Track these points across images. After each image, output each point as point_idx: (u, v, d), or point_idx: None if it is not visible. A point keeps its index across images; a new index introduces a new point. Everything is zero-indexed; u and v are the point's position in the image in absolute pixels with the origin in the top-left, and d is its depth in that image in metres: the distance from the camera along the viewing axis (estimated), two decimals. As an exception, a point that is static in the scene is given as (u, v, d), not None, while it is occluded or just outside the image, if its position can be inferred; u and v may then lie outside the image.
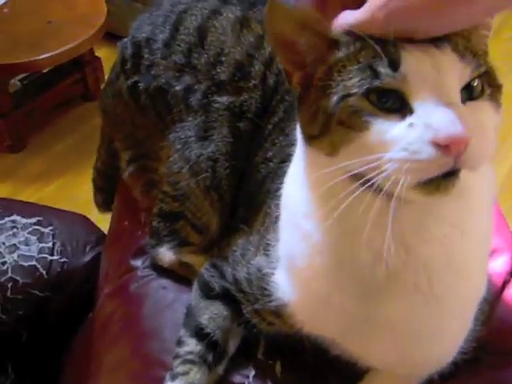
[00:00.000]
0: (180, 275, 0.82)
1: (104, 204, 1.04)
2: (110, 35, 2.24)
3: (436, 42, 0.46)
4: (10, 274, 1.02)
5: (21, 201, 1.33)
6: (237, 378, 0.68)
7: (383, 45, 0.45)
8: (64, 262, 1.09)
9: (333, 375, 0.66)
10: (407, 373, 0.63)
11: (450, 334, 0.59)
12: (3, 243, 1.06)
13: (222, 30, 0.73)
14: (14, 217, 1.10)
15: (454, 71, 0.45)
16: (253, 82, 0.71)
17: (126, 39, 0.81)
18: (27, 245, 1.06)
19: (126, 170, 0.85)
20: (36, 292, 1.04)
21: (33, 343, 1.07)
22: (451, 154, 0.42)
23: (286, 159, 0.65)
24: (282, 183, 0.63)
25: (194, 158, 0.73)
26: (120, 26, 2.35)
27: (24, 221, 1.10)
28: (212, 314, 0.70)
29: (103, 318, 0.83)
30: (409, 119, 0.44)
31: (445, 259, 0.53)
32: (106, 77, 2.48)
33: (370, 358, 0.61)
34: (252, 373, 0.68)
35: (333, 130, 0.47)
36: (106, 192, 1.02)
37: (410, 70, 0.44)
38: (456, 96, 0.44)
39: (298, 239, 0.56)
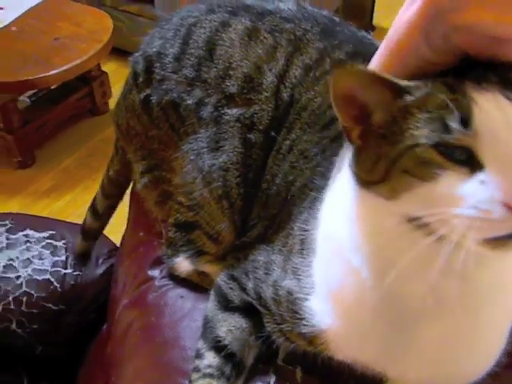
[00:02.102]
0: (197, 284, 0.82)
1: (107, 210, 1.04)
2: (116, 50, 2.27)
3: (507, 87, 0.44)
4: (24, 288, 1.03)
5: (33, 215, 1.35)
6: (257, 385, 0.69)
7: (453, 95, 0.44)
8: (77, 275, 1.10)
9: (355, 381, 0.65)
10: None
11: (490, 349, 0.60)
12: (17, 257, 1.07)
13: (230, 42, 0.73)
14: (27, 231, 1.11)
15: None
16: (264, 94, 0.71)
17: (137, 54, 0.82)
18: (41, 259, 1.08)
19: (140, 182, 0.85)
20: (50, 305, 1.05)
21: (48, 356, 1.08)
22: None
23: (307, 184, 0.66)
24: (304, 207, 0.64)
25: (206, 168, 0.73)
26: (126, 41, 2.40)
27: (37, 235, 1.11)
28: (230, 327, 0.70)
29: (122, 328, 0.84)
30: (479, 175, 0.43)
31: (493, 281, 0.53)
32: (113, 91, 2.52)
33: (405, 377, 0.61)
34: (273, 379, 0.68)
35: (395, 176, 0.47)
36: (113, 198, 1.02)
37: (481, 127, 0.43)
38: None
39: (346, 273, 0.56)
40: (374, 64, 0.50)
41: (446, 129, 0.44)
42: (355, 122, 0.49)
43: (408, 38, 0.46)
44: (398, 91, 0.47)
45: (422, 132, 0.45)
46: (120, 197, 1.02)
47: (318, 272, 0.60)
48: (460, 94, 0.44)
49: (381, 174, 0.48)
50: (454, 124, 0.43)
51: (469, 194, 0.43)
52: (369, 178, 0.50)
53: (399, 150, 0.46)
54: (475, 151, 0.44)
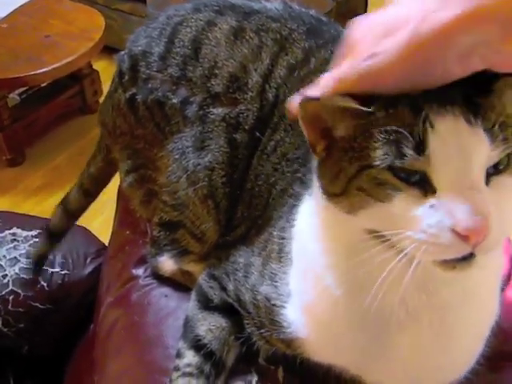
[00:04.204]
0: (181, 283, 0.83)
1: (80, 209, 1.02)
2: (108, 48, 2.26)
3: (470, 111, 0.44)
4: (11, 287, 1.03)
5: (21, 214, 1.34)
6: (239, 384, 0.69)
7: (414, 118, 0.44)
8: (65, 274, 1.10)
9: (336, 380, 0.66)
10: None
11: (460, 361, 0.61)
12: (4, 256, 1.07)
13: (216, 42, 0.73)
14: (15, 230, 1.11)
15: (482, 154, 0.43)
16: (250, 94, 0.71)
17: (122, 52, 0.81)
18: (28, 257, 1.07)
19: (125, 181, 0.85)
20: (37, 304, 1.05)
21: (34, 355, 1.07)
22: (470, 242, 0.43)
23: (287, 189, 0.66)
24: (283, 213, 0.64)
25: (191, 167, 0.73)
26: (117, 39, 2.39)
27: (25, 233, 1.11)
28: (210, 326, 0.70)
29: (106, 327, 0.84)
30: (431, 200, 0.44)
31: (460, 296, 0.54)
32: (104, 89, 2.52)
33: (382, 382, 0.62)
34: (254, 378, 0.68)
35: (352, 193, 0.47)
36: (90, 197, 1.00)
37: (435, 153, 0.43)
38: (480, 180, 0.44)
39: (319, 290, 0.57)
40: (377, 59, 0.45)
41: (401, 153, 0.44)
42: (320, 136, 0.50)
43: (439, 45, 0.42)
44: (364, 112, 0.47)
45: (377, 153, 0.45)
46: (95, 196, 1.00)
47: (293, 283, 0.61)
48: (421, 117, 0.44)
49: (340, 187, 0.48)
50: (408, 149, 0.44)
51: (419, 218, 0.44)
52: (330, 190, 0.50)
53: (356, 168, 0.47)
54: (428, 175, 0.44)
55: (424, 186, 0.44)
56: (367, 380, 0.62)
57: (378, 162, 0.45)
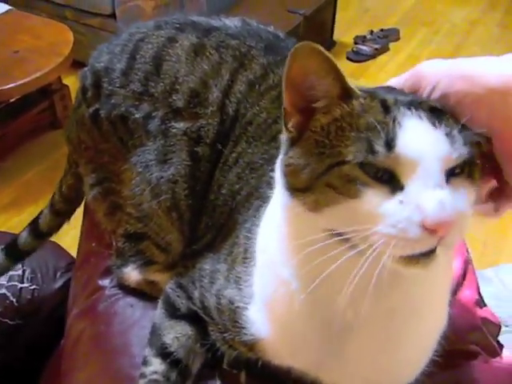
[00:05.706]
0: (146, 293, 0.84)
1: (51, 229, 1.00)
2: (78, 63, 2.26)
3: (434, 116, 0.48)
4: (-21, 304, 1.03)
5: (-11, 229, 1.34)
6: (202, 389, 0.70)
7: (385, 117, 0.48)
8: (34, 288, 1.09)
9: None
10: None
11: (408, 365, 0.63)
12: (-28, 273, 1.06)
13: (177, 58, 0.75)
14: (-16, 246, 1.10)
15: (444, 155, 0.47)
16: (210, 108, 0.73)
17: (85, 68, 0.83)
18: (-6, 275, 1.06)
19: (90, 194, 0.86)
20: (6, 320, 1.05)
21: (5, 370, 1.07)
22: (437, 235, 0.46)
23: (252, 192, 0.69)
24: (249, 216, 0.66)
25: (154, 180, 0.75)
26: (87, 55, 2.39)
27: (-7, 249, 1.10)
28: (177, 334, 0.71)
29: (73, 338, 0.84)
30: (399, 196, 0.47)
31: (407, 302, 0.56)
32: (74, 104, 2.46)
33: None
34: (218, 383, 0.70)
35: (319, 189, 0.49)
36: (62, 217, 0.99)
37: (403, 151, 0.46)
38: (443, 178, 0.47)
39: (277, 285, 0.59)
40: None
41: (372, 150, 0.47)
42: (297, 109, 0.52)
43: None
44: (345, 92, 0.50)
45: (349, 150, 0.48)
46: (66, 217, 0.99)
47: (256, 281, 0.63)
48: (391, 116, 0.48)
49: (304, 182, 0.50)
50: (379, 146, 0.47)
51: (388, 213, 0.47)
52: (295, 184, 0.52)
53: (326, 164, 0.49)
54: (396, 172, 0.47)
55: (392, 183, 0.47)
56: (324, 383, 0.63)
57: (350, 158, 0.47)
